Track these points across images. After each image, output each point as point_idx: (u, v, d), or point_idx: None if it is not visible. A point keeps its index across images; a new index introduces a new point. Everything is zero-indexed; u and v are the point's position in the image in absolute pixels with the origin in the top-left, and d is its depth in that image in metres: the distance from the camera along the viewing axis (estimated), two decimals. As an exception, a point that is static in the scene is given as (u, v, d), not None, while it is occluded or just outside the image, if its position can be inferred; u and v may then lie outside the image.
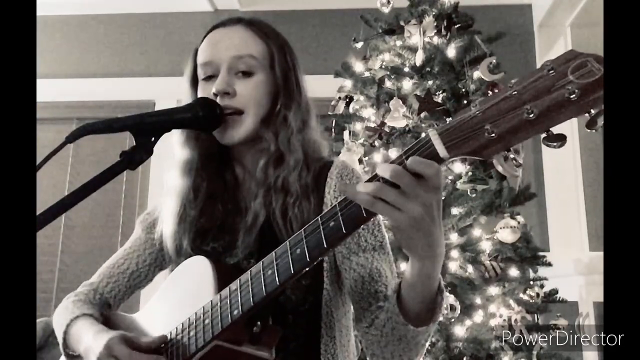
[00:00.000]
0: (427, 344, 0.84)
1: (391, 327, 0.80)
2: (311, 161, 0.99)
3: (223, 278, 0.85)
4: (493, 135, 0.59)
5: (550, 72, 0.57)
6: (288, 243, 0.76)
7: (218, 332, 0.80)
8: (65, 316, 1.03)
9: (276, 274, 0.75)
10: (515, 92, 0.58)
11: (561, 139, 0.59)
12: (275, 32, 1.03)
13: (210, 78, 0.98)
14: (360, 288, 0.90)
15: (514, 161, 0.63)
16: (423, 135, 0.66)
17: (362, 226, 0.92)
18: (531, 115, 0.57)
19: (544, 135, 0.59)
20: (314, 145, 1.01)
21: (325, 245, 0.70)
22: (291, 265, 0.74)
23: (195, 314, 0.86)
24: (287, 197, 0.94)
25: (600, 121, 0.57)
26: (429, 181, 0.63)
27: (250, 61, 0.97)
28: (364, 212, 0.67)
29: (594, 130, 0.58)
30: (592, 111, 0.56)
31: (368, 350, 0.88)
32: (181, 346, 0.86)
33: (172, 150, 1.05)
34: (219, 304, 0.82)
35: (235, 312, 0.79)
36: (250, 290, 0.78)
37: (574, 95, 0.55)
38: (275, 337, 0.84)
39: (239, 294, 0.80)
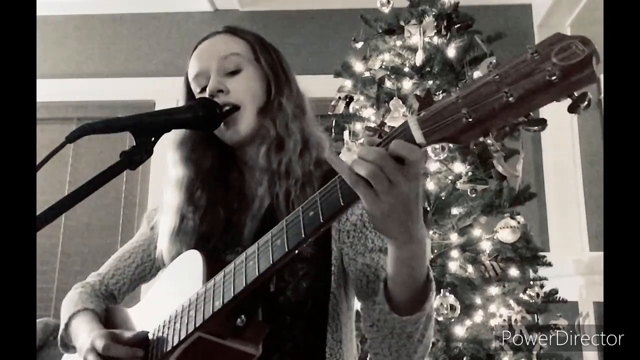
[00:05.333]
0: (426, 340, 0.82)
1: (383, 319, 0.80)
2: (312, 149, 0.99)
3: (212, 270, 0.85)
4: (470, 120, 0.58)
5: (534, 55, 0.56)
6: (270, 233, 0.75)
7: (200, 323, 0.80)
8: (68, 308, 1.06)
9: (257, 265, 0.75)
10: (497, 77, 0.57)
11: (541, 123, 0.58)
12: (253, 32, 1.07)
13: (204, 89, 1.00)
14: (366, 287, 0.91)
15: (492, 147, 0.62)
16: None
17: (369, 228, 0.93)
18: (510, 99, 0.55)
19: (523, 120, 0.57)
20: (313, 136, 1.02)
21: (303, 235, 0.69)
22: (271, 255, 0.73)
23: (182, 305, 0.86)
24: (290, 181, 0.95)
25: (583, 105, 0.55)
26: (410, 167, 0.62)
27: (236, 58, 1.00)
28: (341, 200, 0.66)
29: (576, 114, 0.57)
30: (575, 94, 0.54)
31: (371, 350, 0.87)
32: (166, 338, 0.86)
33: (167, 169, 1.06)
34: (203, 295, 0.82)
35: (217, 303, 0.78)
36: (232, 281, 0.78)
37: (555, 77, 0.53)
38: (261, 333, 0.82)
39: (222, 284, 0.79)
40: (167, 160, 1.05)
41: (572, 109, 0.56)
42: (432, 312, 0.81)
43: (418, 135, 0.62)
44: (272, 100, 1.00)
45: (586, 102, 0.55)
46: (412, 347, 0.81)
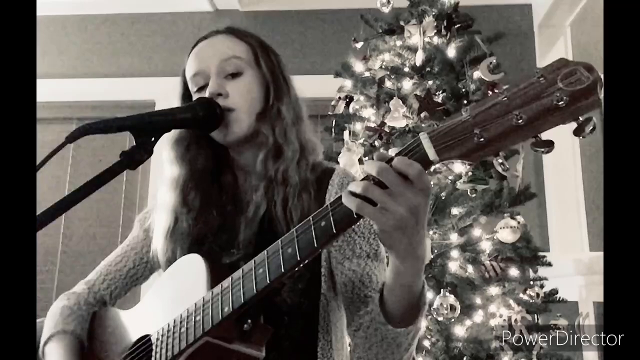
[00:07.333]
0: (412, 348, 0.84)
1: (374, 327, 0.81)
2: (309, 156, 1.00)
3: (216, 275, 0.85)
4: (482, 140, 0.60)
5: (541, 79, 0.59)
6: (280, 242, 0.76)
7: (208, 328, 0.80)
8: (49, 326, 1.05)
9: (267, 272, 0.76)
10: (506, 99, 0.60)
11: (548, 145, 0.61)
12: (254, 35, 1.07)
13: (202, 88, 1.00)
14: (351, 292, 0.92)
15: (502, 165, 0.64)
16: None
17: (357, 233, 0.94)
18: (520, 121, 0.58)
19: (532, 140, 0.61)
20: (310, 142, 1.03)
21: (315, 245, 0.70)
22: (282, 263, 0.74)
23: (187, 310, 0.86)
24: (287, 188, 0.95)
25: (588, 129, 0.58)
26: (414, 182, 0.64)
27: (237, 62, 1.00)
28: (354, 212, 0.67)
29: (581, 137, 0.59)
30: (580, 118, 0.57)
31: (355, 353, 0.88)
32: (171, 342, 0.86)
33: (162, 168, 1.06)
34: (210, 301, 0.82)
35: (226, 309, 0.79)
36: (242, 287, 0.78)
37: (562, 102, 0.56)
38: (266, 336, 0.84)
39: (230, 291, 0.80)
40: (163, 158, 1.05)
41: (577, 133, 0.59)
42: (421, 323, 0.83)
43: (431, 152, 0.64)
44: (270, 106, 1.00)
45: (592, 127, 0.58)
46: (398, 355, 0.83)
